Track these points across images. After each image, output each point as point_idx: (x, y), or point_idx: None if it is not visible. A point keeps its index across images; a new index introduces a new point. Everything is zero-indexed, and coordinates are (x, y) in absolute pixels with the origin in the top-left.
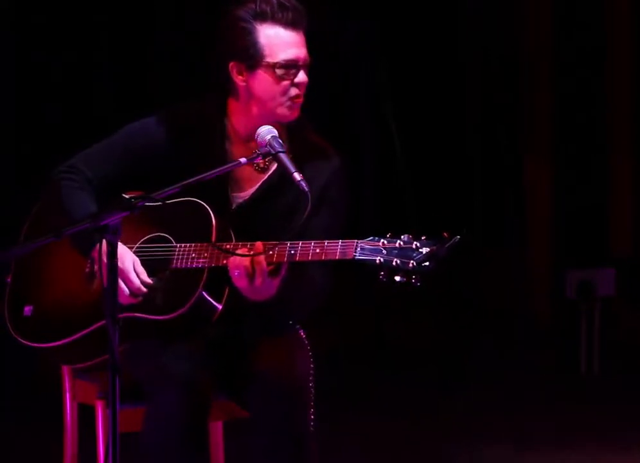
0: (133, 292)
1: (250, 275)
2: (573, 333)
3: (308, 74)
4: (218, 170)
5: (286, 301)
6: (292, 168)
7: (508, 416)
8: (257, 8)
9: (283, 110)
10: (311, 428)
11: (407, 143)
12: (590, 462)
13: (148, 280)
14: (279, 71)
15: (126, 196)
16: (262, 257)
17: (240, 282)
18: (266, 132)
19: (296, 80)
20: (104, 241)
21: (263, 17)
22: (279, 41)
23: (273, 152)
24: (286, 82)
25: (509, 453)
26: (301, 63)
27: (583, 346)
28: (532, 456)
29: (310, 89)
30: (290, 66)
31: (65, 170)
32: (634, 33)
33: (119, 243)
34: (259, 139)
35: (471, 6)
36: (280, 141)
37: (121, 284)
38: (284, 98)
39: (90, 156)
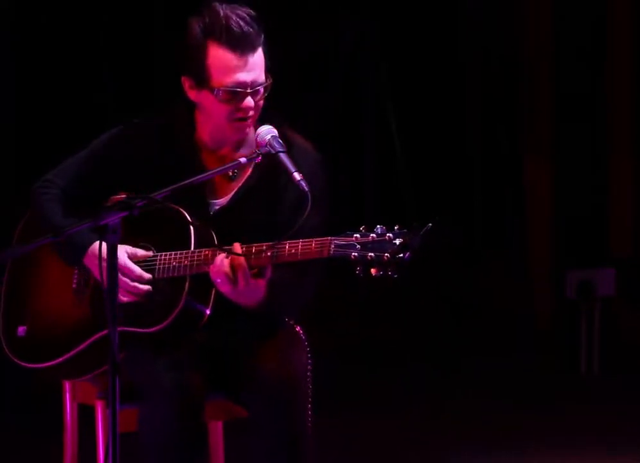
0: (135, 279)
1: (233, 280)
2: (573, 333)
3: (265, 94)
4: (217, 170)
5: (275, 300)
6: (292, 168)
7: (508, 416)
8: (209, 23)
9: (228, 131)
10: (309, 427)
11: (407, 143)
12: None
13: (147, 253)
14: (222, 96)
15: (118, 199)
16: (243, 259)
17: (224, 288)
18: (266, 132)
19: (241, 104)
20: (101, 241)
21: (213, 35)
22: (224, 65)
23: (273, 151)
24: (230, 106)
25: (508, 453)
26: (249, 89)
27: (583, 346)
28: (532, 456)
29: (311, 89)
30: (234, 92)
31: (40, 185)
32: (634, 33)
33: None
34: (259, 139)
35: (471, 6)
36: (280, 141)
37: (121, 279)
38: (228, 120)
39: (65, 170)
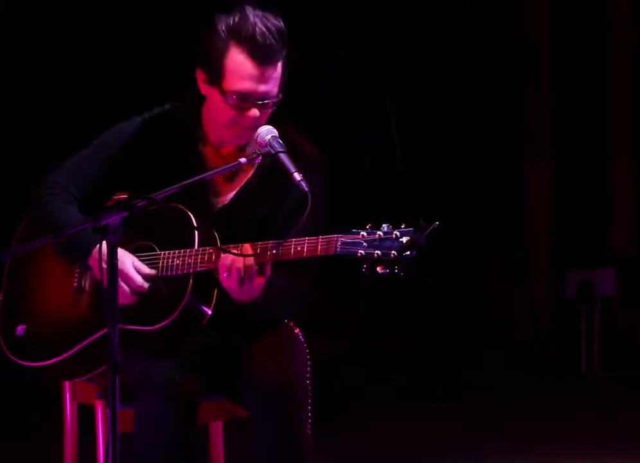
0: (135, 290)
1: (243, 277)
2: (573, 333)
3: (273, 108)
4: (218, 170)
5: (271, 299)
6: (292, 168)
7: (508, 416)
8: (236, 25)
9: (229, 135)
10: (308, 428)
11: (408, 143)
12: None
13: (151, 272)
14: (230, 100)
15: (119, 199)
16: (252, 259)
17: (229, 283)
18: (266, 132)
19: (247, 113)
20: (104, 242)
21: (237, 38)
22: (240, 71)
23: (273, 152)
24: (235, 112)
25: (509, 453)
26: (257, 98)
27: (583, 346)
28: (532, 456)
29: (312, 88)
30: (243, 99)
31: (45, 186)
32: (634, 32)
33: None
34: (259, 139)
35: (471, 6)
36: (280, 141)
37: (122, 285)
38: (230, 125)
39: (69, 169)
